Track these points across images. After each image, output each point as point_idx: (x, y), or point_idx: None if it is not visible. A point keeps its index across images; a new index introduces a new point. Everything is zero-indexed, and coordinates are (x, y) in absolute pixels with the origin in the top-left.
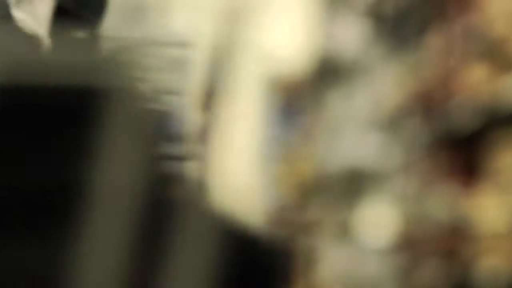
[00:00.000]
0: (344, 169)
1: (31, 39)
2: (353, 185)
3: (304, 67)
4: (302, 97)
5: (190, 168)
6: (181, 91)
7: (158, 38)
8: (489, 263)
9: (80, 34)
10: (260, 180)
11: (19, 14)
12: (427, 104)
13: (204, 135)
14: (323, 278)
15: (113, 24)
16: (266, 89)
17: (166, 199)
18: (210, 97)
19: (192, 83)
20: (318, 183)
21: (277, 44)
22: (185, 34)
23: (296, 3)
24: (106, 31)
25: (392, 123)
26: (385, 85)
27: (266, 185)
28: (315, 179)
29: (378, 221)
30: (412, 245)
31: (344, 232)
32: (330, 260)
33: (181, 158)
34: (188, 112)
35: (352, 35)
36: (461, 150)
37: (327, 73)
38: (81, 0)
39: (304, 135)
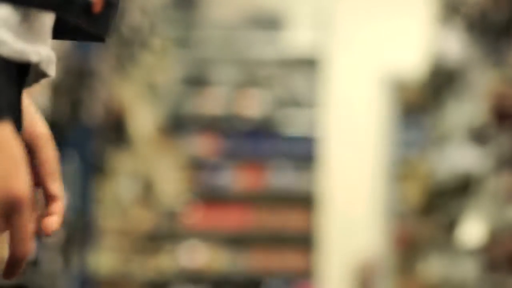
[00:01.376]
0: (450, 176)
1: None
2: (458, 191)
3: (422, 76)
4: (421, 103)
5: None
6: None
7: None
8: None
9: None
10: (383, 184)
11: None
12: (503, 116)
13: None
14: (426, 279)
15: (245, 38)
16: (388, 95)
17: None
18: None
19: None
20: (435, 188)
21: (397, 54)
22: (309, 50)
23: (413, 17)
24: (238, 43)
25: (482, 134)
26: (480, 96)
27: (389, 190)
28: (433, 185)
29: (473, 225)
30: (494, 247)
31: (448, 234)
32: (434, 262)
33: None
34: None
35: (457, 47)
36: None
37: (442, 82)
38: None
39: (424, 140)
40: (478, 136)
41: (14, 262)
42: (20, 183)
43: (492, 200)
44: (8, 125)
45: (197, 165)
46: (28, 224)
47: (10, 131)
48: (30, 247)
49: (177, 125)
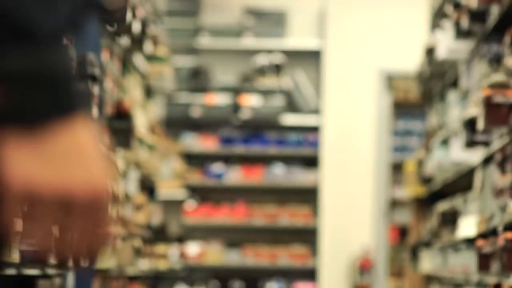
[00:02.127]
0: (445, 170)
1: None
2: (452, 186)
3: (419, 70)
4: (419, 97)
5: None
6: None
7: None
8: None
9: None
10: (381, 180)
11: None
12: (495, 111)
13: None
14: (425, 269)
15: (244, 35)
16: (386, 89)
17: None
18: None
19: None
20: (430, 183)
21: (396, 48)
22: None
23: (408, 21)
24: (247, 34)
25: (475, 129)
26: (472, 91)
27: (386, 185)
28: (427, 179)
29: (469, 220)
30: (488, 243)
31: (444, 229)
32: (430, 257)
33: None
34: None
35: (450, 43)
36: None
37: (438, 77)
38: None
39: (422, 134)
40: (471, 131)
41: (92, 252)
42: (102, 180)
43: (486, 195)
44: (86, 123)
45: (196, 162)
46: (108, 218)
47: (88, 130)
48: (109, 240)
49: (177, 121)
